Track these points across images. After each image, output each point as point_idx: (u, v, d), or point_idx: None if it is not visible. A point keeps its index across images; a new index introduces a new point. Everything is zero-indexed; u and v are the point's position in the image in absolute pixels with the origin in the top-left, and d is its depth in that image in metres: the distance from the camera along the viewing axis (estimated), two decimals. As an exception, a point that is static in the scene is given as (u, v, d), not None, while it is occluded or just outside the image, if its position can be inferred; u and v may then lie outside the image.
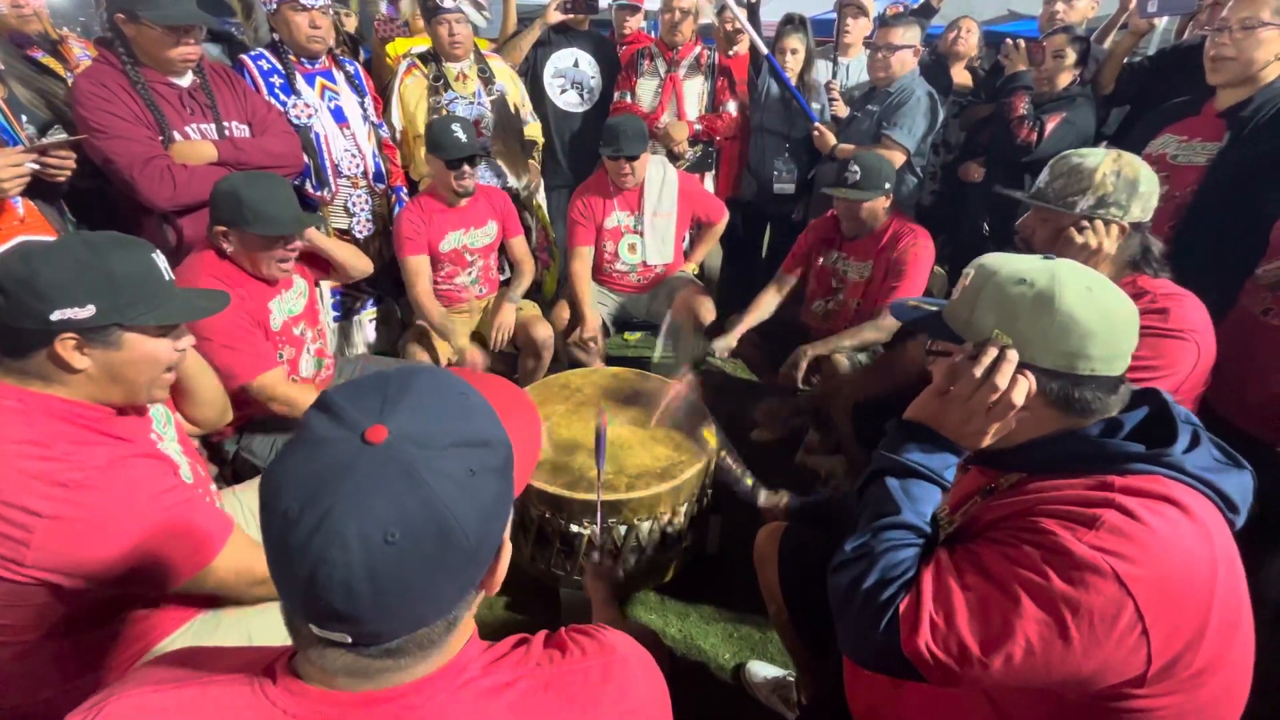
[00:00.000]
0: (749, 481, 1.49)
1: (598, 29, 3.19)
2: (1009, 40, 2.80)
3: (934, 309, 0.94)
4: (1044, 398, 0.81)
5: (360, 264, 1.99)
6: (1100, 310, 0.79)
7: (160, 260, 1.01)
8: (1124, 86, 2.36)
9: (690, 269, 2.82)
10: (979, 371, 0.80)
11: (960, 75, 3.06)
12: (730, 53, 2.98)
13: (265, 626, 1.10)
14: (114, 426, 0.98)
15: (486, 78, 2.61)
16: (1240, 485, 0.78)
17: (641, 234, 2.59)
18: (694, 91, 2.93)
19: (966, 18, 3.10)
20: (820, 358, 2.11)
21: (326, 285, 2.31)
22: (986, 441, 0.83)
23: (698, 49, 2.91)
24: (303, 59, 2.22)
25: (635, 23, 3.22)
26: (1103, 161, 1.26)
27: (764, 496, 1.46)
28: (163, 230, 1.90)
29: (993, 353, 0.81)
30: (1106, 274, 1.27)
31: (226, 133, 1.95)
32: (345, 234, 2.36)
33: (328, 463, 0.48)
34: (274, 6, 2.11)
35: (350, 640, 0.49)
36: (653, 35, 3.12)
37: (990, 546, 0.77)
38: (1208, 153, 1.67)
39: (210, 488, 1.22)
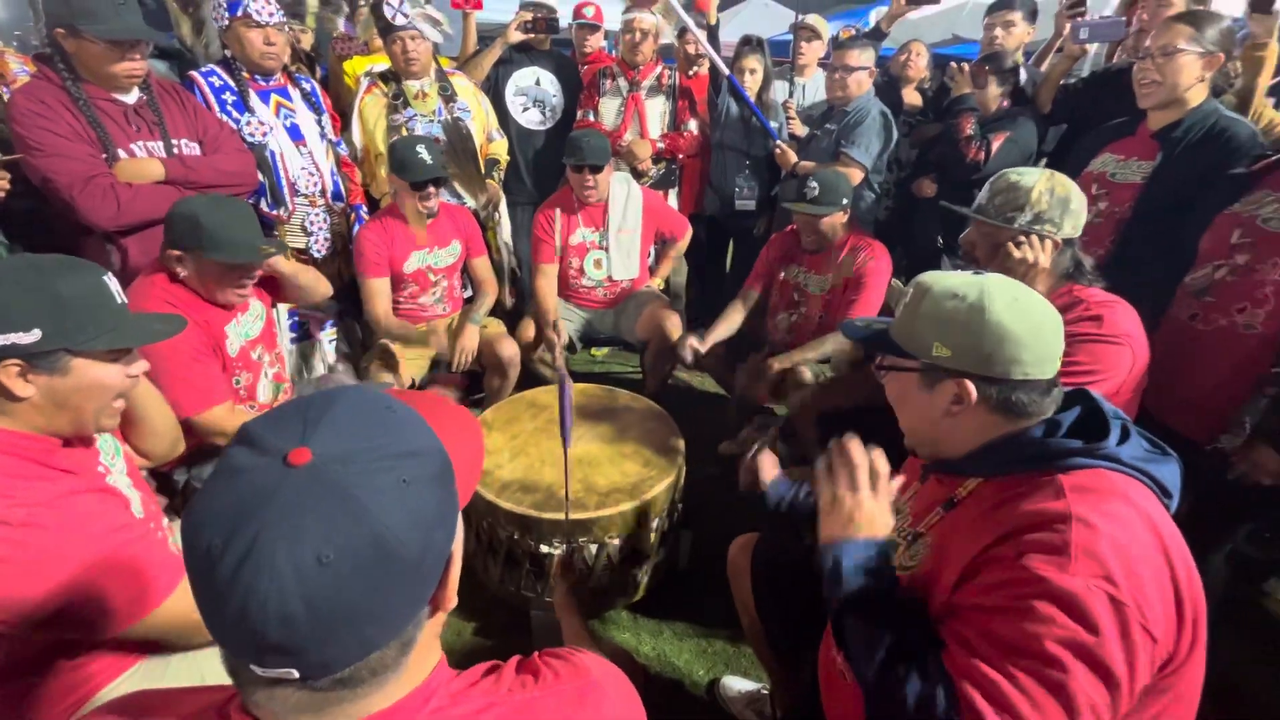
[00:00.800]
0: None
1: (559, 48, 3.21)
2: (954, 64, 2.93)
3: (882, 327, 0.98)
4: (985, 404, 0.87)
5: (320, 287, 1.94)
6: (1027, 318, 0.85)
7: (112, 283, 0.97)
8: (1060, 107, 2.49)
9: (656, 284, 2.84)
10: (840, 473, 0.91)
11: (910, 96, 3.18)
12: (690, 73, 3.05)
13: (219, 667, 1.04)
14: (60, 459, 0.93)
15: (448, 95, 2.60)
16: (1171, 473, 0.84)
17: (607, 249, 2.61)
18: (656, 111, 2.98)
19: (915, 41, 3.23)
20: (785, 369, 2.15)
21: (284, 306, 2.24)
22: (892, 520, 0.90)
23: (659, 69, 2.96)
24: (256, 76, 2.18)
25: (595, 42, 3.26)
26: (1038, 180, 1.34)
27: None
28: (105, 251, 1.82)
29: (834, 453, 0.93)
30: (1044, 285, 1.35)
31: (175, 150, 1.88)
32: (303, 254, 2.30)
33: (249, 491, 0.45)
34: (227, 23, 2.07)
35: (297, 675, 0.46)
36: (613, 55, 3.17)
37: (1000, 618, 0.75)
38: (1143, 171, 1.77)
39: (162, 522, 1.16)
